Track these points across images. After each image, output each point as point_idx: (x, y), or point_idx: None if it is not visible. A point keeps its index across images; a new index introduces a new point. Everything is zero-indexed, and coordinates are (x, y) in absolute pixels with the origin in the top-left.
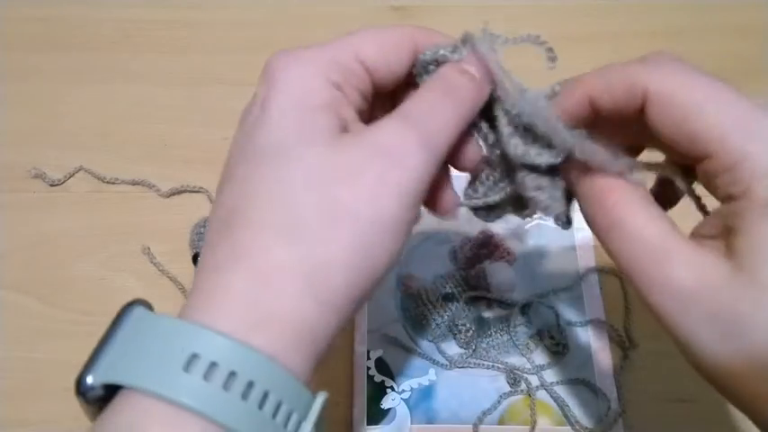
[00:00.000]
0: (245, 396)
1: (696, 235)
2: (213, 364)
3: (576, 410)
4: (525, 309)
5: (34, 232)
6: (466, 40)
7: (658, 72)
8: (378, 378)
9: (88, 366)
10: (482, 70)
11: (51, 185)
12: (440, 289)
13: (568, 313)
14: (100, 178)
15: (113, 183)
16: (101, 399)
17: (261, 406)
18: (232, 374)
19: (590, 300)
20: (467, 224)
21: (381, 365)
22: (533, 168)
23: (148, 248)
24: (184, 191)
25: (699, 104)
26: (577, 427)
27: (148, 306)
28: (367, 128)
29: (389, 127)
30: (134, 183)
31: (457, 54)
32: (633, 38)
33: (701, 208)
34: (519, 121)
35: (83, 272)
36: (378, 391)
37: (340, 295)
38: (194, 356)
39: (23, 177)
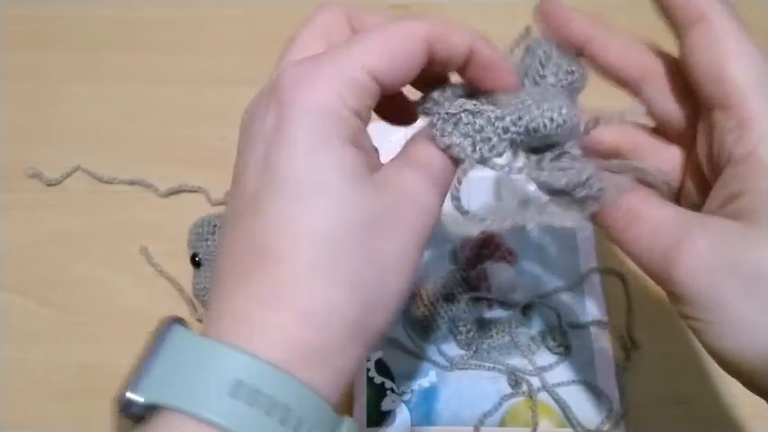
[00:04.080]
0: (283, 423)
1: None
2: (257, 391)
3: (578, 412)
4: (526, 310)
5: (31, 232)
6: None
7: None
8: (378, 380)
9: (131, 382)
10: None
11: (48, 185)
12: (440, 290)
13: (570, 314)
14: (97, 178)
15: (111, 182)
16: (138, 415)
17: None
18: (273, 401)
19: (592, 301)
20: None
21: (381, 367)
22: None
23: (146, 248)
24: (182, 190)
25: (737, 55)
26: (579, 429)
27: (183, 323)
28: (389, 173)
29: (409, 176)
30: (132, 182)
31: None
32: (636, 37)
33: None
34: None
35: (80, 272)
36: (378, 393)
37: (376, 335)
38: (240, 383)
39: (20, 177)
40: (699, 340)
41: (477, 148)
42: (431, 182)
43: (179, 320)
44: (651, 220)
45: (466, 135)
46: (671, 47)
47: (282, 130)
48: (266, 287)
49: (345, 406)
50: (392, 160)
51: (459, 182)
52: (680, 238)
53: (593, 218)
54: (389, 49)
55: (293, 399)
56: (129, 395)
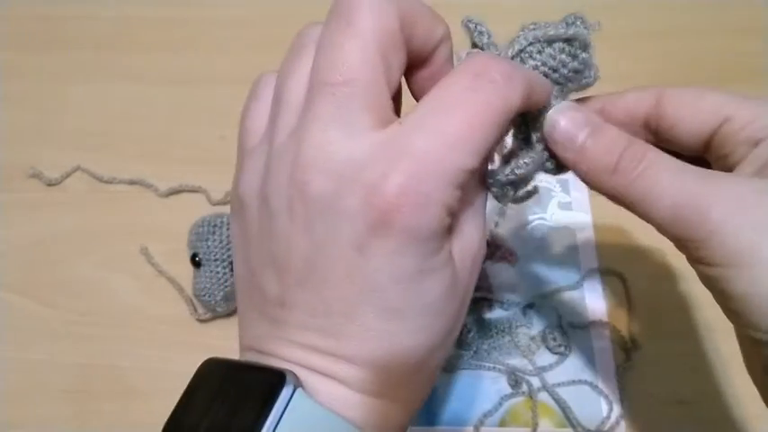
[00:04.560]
0: None
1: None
2: None
3: (578, 412)
4: (527, 310)
5: (31, 232)
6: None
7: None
8: None
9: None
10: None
11: (48, 185)
12: None
13: (570, 314)
14: (97, 178)
15: (111, 182)
16: None
17: None
18: None
19: (592, 301)
20: None
21: None
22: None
23: (146, 248)
24: (182, 190)
25: (705, 89)
26: (579, 429)
27: (290, 378)
28: (459, 242)
29: (472, 231)
30: (132, 182)
31: None
32: (636, 37)
33: None
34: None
35: (80, 272)
36: None
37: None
38: None
39: (20, 177)
40: (723, 290)
41: (519, 190)
42: (482, 221)
43: (285, 377)
44: (674, 177)
45: (514, 183)
46: (664, 47)
47: (384, 249)
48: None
49: None
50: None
51: (497, 225)
52: (710, 193)
53: (586, 174)
54: (491, 137)
55: None
56: None
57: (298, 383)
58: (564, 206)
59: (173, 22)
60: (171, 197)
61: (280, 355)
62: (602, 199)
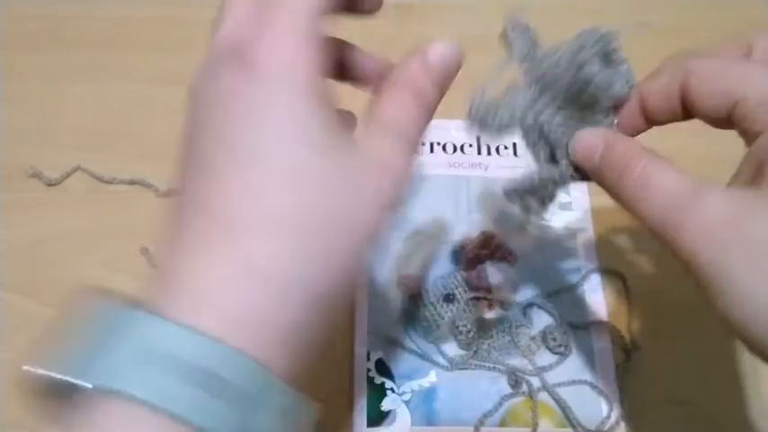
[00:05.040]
0: (221, 397)
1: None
2: (184, 362)
3: (578, 412)
4: (526, 310)
5: (31, 232)
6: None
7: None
8: (378, 380)
9: (46, 361)
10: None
11: (48, 185)
12: (440, 290)
13: (570, 314)
14: (97, 178)
15: (111, 182)
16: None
17: (233, 403)
18: (206, 373)
19: (592, 301)
20: (468, 225)
21: (381, 367)
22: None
23: (146, 248)
24: None
25: (728, 65)
26: (579, 429)
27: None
28: (361, 143)
29: (385, 144)
30: (132, 182)
31: None
32: (638, 35)
33: None
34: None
35: (80, 272)
36: (378, 393)
37: (327, 298)
38: (151, 350)
39: (20, 177)
40: (710, 303)
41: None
42: (407, 149)
43: (104, 293)
44: (664, 185)
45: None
46: (667, 45)
47: (242, 94)
48: (205, 247)
49: (345, 406)
50: (374, 126)
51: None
52: (690, 205)
53: (603, 181)
54: None
55: (231, 369)
56: (43, 373)
57: (149, 307)
58: (564, 206)
59: (172, 22)
60: (171, 197)
61: (175, 266)
62: (602, 199)
